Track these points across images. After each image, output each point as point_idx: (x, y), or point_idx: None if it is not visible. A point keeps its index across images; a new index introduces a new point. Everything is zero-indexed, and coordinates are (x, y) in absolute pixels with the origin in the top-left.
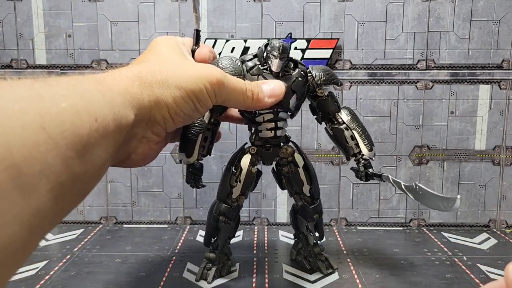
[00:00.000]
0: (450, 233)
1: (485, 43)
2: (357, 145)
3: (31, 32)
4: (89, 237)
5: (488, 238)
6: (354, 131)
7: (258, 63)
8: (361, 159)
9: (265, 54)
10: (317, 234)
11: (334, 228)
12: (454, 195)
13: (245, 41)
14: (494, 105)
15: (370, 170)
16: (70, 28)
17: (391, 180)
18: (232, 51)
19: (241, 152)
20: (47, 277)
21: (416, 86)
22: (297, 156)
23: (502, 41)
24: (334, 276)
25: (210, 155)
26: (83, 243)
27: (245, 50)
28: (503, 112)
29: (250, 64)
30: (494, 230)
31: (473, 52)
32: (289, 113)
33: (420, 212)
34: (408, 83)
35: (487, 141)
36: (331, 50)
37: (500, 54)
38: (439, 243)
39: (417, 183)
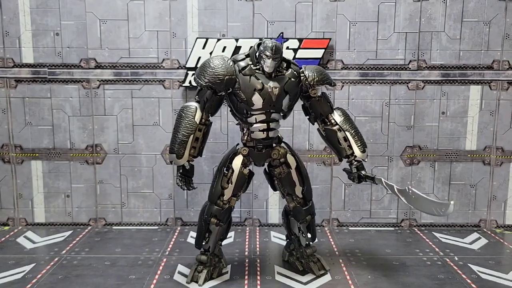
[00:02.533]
0: (441, 233)
1: (476, 43)
2: (349, 146)
3: (17, 30)
4: (77, 239)
5: (479, 238)
6: (347, 133)
7: (250, 63)
8: (353, 161)
9: (257, 54)
10: (309, 235)
11: (326, 228)
12: (446, 201)
13: (237, 40)
14: (485, 105)
15: (363, 172)
16: (58, 26)
17: (384, 183)
18: (223, 50)
19: (233, 153)
20: (34, 281)
21: (407, 86)
22: (290, 157)
23: (492, 42)
24: (327, 277)
25: (201, 156)
26: (71, 245)
27: (237, 49)
28: (493, 112)
29: (242, 64)
30: (485, 230)
31: (464, 53)
32: (282, 114)
33: (412, 212)
34: (400, 83)
35: (477, 141)
36: (323, 50)
37: (490, 55)
38: (430, 243)
39: (410, 187)
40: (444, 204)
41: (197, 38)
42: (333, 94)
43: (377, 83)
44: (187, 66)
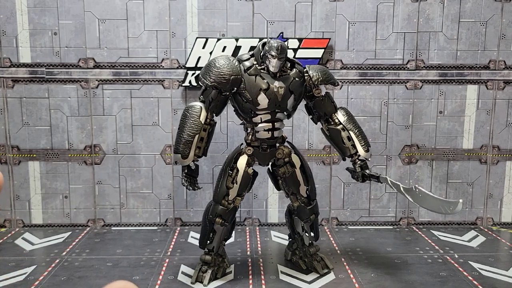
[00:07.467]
0: (439, 231)
1: (472, 43)
2: (353, 145)
3: (14, 29)
4: (77, 240)
5: (477, 236)
6: (350, 132)
7: (255, 62)
8: (357, 160)
9: (262, 54)
10: (312, 234)
11: (326, 227)
12: (455, 199)
13: (237, 40)
14: (481, 105)
15: (367, 171)
16: (56, 25)
17: (390, 182)
18: (223, 50)
19: (238, 153)
20: (37, 283)
21: (406, 86)
22: (294, 157)
23: (489, 42)
24: (330, 276)
25: (206, 156)
26: (71, 246)
27: (237, 49)
28: (490, 111)
29: (247, 64)
30: (481, 227)
31: (461, 53)
32: (286, 114)
33: (410, 210)
34: (398, 83)
35: (474, 140)
36: (323, 50)
37: (487, 54)
38: (429, 241)
39: (417, 186)
40: (452, 202)
41: (197, 37)
42: (333, 93)
43: (375, 83)
44: (186, 66)
